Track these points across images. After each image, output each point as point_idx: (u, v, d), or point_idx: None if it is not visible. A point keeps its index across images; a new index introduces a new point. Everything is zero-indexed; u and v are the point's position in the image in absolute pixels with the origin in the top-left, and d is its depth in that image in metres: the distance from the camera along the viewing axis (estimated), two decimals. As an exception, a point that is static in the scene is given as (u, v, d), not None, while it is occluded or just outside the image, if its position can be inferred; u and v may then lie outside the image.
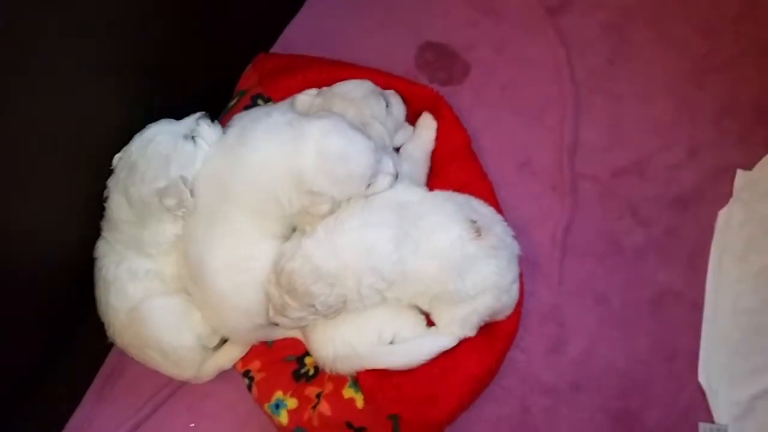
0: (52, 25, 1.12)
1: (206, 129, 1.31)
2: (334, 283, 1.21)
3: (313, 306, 1.22)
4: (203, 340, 1.37)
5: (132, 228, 1.31)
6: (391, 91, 1.42)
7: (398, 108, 1.40)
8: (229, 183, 1.26)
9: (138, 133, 1.32)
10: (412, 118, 1.49)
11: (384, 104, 1.36)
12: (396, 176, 1.28)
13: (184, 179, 1.27)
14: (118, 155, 1.32)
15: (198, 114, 1.33)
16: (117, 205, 1.31)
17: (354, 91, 1.34)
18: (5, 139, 1.13)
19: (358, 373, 1.30)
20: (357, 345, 1.29)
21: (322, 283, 1.21)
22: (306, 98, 1.39)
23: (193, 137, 1.30)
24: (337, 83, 1.37)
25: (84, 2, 1.16)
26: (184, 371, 1.38)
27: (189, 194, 1.27)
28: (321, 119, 1.24)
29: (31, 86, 1.13)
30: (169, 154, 1.27)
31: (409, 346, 1.30)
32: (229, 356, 1.40)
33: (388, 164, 1.26)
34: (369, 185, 1.25)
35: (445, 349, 1.31)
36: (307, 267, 1.21)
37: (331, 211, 1.24)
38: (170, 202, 1.26)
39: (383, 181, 1.26)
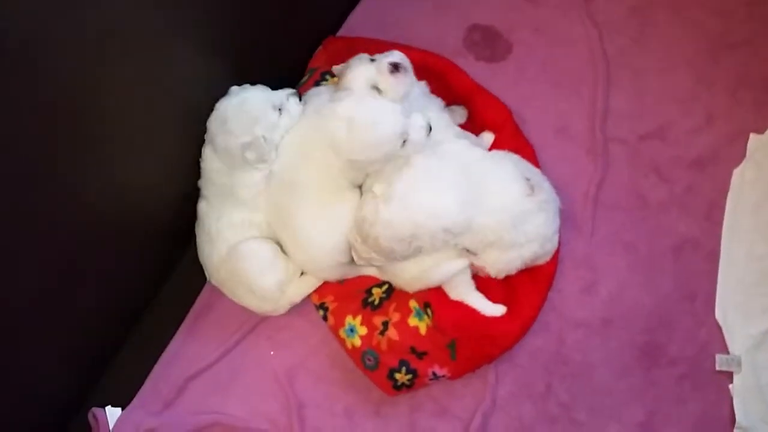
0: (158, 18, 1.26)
1: (293, 104, 1.47)
2: (412, 241, 1.37)
3: (395, 257, 1.40)
4: (283, 284, 1.51)
5: (223, 177, 1.47)
6: (382, 70, 1.43)
7: (392, 88, 1.42)
8: (309, 144, 1.43)
9: (235, 92, 1.46)
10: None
11: (375, 93, 1.42)
12: (429, 128, 1.40)
13: (265, 139, 1.43)
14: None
15: (290, 90, 1.49)
16: (208, 156, 1.47)
17: (351, 82, 1.44)
18: (122, 107, 1.27)
19: (433, 304, 1.46)
20: (419, 272, 1.45)
21: (403, 242, 1.36)
22: (340, 67, 1.52)
23: (279, 109, 1.46)
24: (348, 65, 1.48)
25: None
26: (265, 305, 1.54)
27: (268, 151, 1.43)
28: (345, 99, 1.40)
29: (144, 61, 1.27)
30: (257, 115, 1.43)
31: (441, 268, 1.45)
32: (299, 291, 1.55)
33: (418, 118, 1.39)
34: (404, 141, 1.37)
35: (460, 268, 1.45)
36: (388, 232, 1.36)
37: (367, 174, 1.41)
38: (251, 156, 1.43)
39: (417, 134, 1.38)
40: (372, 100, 1.40)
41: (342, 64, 1.54)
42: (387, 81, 1.42)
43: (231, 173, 1.47)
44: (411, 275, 1.45)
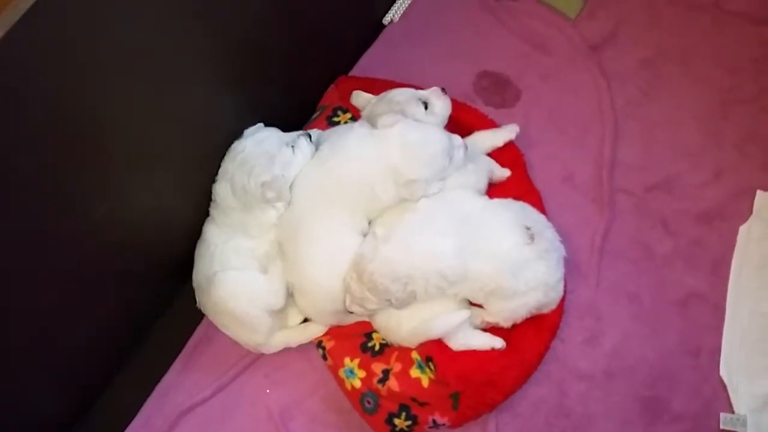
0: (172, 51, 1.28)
1: (305, 143, 1.49)
2: (407, 282, 1.38)
3: (389, 300, 1.39)
4: (272, 311, 1.49)
5: (238, 214, 1.48)
6: (434, 90, 1.52)
7: (440, 106, 1.52)
8: (326, 187, 1.45)
9: (250, 133, 1.50)
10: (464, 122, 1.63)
11: (422, 107, 1.50)
12: (466, 148, 1.47)
13: (283, 177, 1.45)
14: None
15: (301, 131, 1.53)
16: (224, 192, 1.48)
17: (397, 96, 1.53)
18: (134, 137, 1.29)
19: (435, 358, 1.43)
20: (417, 325, 1.44)
21: (398, 282, 1.38)
22: (362, 97, 1.61)
23: (292, 146, 1.48)
24: (387, 90, 1.56)
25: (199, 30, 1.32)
26: (254, 336, 1.51)
27: (287, 189, 1.46)
28: (394, 124, 1.44)
29: (156, 94, 1.28)
30: (275, 154, 1.46)
31: (442, 320, 1.44)
32: (297, 338, 1.54)
33: (458, 140, 1.47)
34: (450, 159, 1.44)
35: (463, 319, 1.43)
36: (385, 269, 1.37)
37: (424, 194, 1.42)
38: (271, 194, 1.44)
39: (459, 153, 1.45)
40: (415, 123, 1.45)
41: (361, 96, 1.60)
42: (439, 99, 1.52)
43: (247, 211, 1.48)
44: (408, 330, 1.44)
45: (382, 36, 1.84)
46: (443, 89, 1.54)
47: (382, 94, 1.56)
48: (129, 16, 1.13)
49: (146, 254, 1.49)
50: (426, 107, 1.52)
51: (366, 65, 1.80)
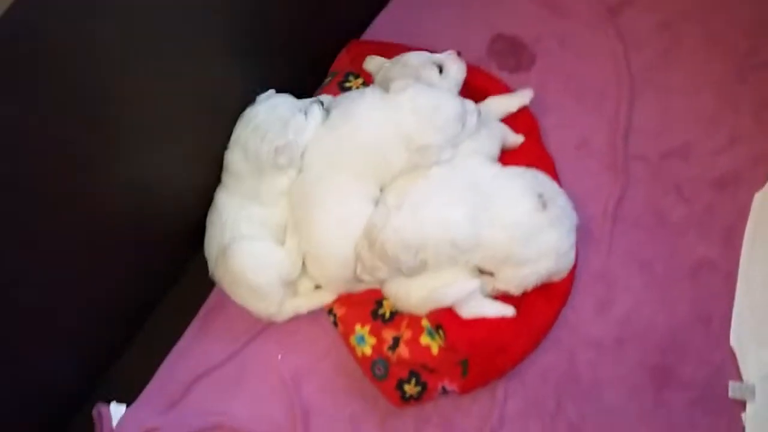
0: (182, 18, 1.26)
1: (317, 110, 1.48)
2: (418, 251, 1.38)
3: (400, 268, 1.40)
4: (283, 280, 1.50)
5: (251, 181, 1.48)
6: (449, 54, 1.52)
7: (455, 70, 1.51)
8: (338, 153, 1.44)
9: (263, 99, 1.49)
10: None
11: (437, 70, 1.50)
12: (479, 113, 1.45)
13: (296, 142, 1.45)
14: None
15: (314, 98, 1.52)
16: (237, 159, 1.48)
17: (412, 59, 1.51)
18: (147, 107, 1.28)
19: (445, 325, 1.44)
20: (427, 293, 1.45)
21: (409, 251, 1.38)
22: (375, 62, 1.60)
23: (305, 113, 1.47)
24: (402, 54, 1.55)
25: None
26: (266, 305, 1.51)
27: (299, 155, 1.45)
28: (406, 89, 1.43)
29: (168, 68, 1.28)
30: (288, 119, 1.45)
31: (452, 288, 1.45)
32: (307, 304, 1.55)
33: (471, 105, 1.45)
34: (463, 125, 1.43)
35: (473, 288, 1.44)
36: (396, 238, 1.37)
37: (437, 161, 1.41)
38: (283, 160, 1.44)
39: (472, 118, 1.44)
40: (428, 88, 1.44)
41: (374, 60, 1.58)
42: (454, 63, 1.51)
43: (259, 177, 1.48)
44: (418, 298, 1.44)
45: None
46: (459, 53, 1.52)
47: (396, 58, 1.54)
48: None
49: (160, 221, 1.49)
50: (441, 71, 1.50)
51: (378, 29, 1.77)
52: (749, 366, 1.50)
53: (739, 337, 1.52)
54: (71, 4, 1.02)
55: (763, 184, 1.61)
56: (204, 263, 1.56)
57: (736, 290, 1.55)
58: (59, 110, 1.10)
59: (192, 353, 1.59)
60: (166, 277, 1.62)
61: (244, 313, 1.56)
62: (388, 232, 1.38)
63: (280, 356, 1.58)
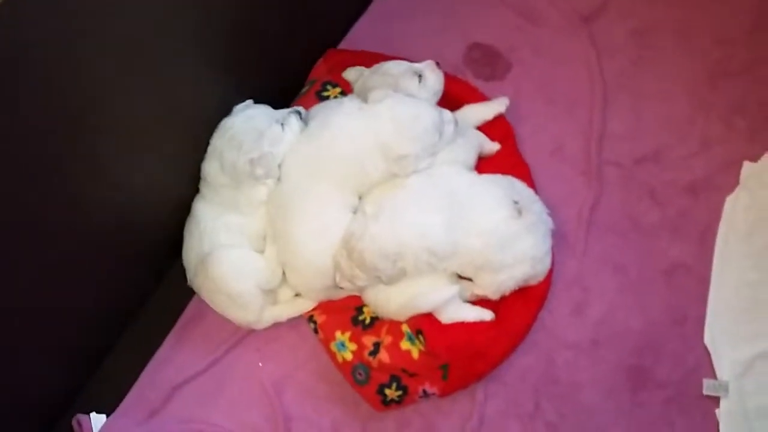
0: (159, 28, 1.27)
1: (294, 121, 1.49)
2: (396, 259, 1.39)
3: (379, 276, 1.41)
4: (262, 288, 1.50)
5: (229, 191, 1.48)
6: (428, 63, 1.53)
7: (433, 79, 1.53)
8: (316, 163, 1.45)
9: (239, 110, 1.49)
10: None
11: (416, 80, 1.51)
12: (456, 123, 1.47)
13: (272, 154, 1.45)
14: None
15: (292, 108, 1.52)
16: (214, 169, 1.48)
17: (392, 68, 1.53)
18: (123, 117, 1.29)
19: (425, 330, 1.45)
20: (406, 300, 1.46)
21: (387, 260, 1.39)
22: (355, 71, 1.61)
23: (282, 124, 1.48)
24: (382, 62, 1.56)
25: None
26: (245, 313, 1.52)
27: (276, 166, 1.46)
28: (384, 99, 1.44)
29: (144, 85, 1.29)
30: (264, 131, 1.45)
31: (431, 295, 1.46)
32: (286, 312, 1.55)
33: (448, 115, 1.46)
34: (440, 134, 1.43)
35: (452, 295, 1.45)
36: (374, 246, 1.38)
37: (415, 170, 1.43)
38: (260, 171, 1.45)
39: (449, 128, 1.45)
40: (406, 97, 1.45)
41: (354, 70, 1.59)
42: (432, 72, 1.52)
43: (237, 187, 1.48)
44: (398, 304, 1.46)
45: (372, 8, 1.82)
46: (437, 63, 1.54)
47: (376, 66, 1.56)
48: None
49: (138, 232, 1.49)
50: (420, 80, 1.51)
51: (355, 38, 1.79)
52: (723, 364, 1.53)
53: (713, 336, 1.55)
54: (50, 16, 1.03)
55: (734, 188, 1.64)
56: (182, 272, 1.56)
57: (709, 291, 1.58)
58: (38, 121, 1.11)
59: (172, 362, 1.59)
60: (144, 286, 1.62)
61: (223, 321, 1.56)
62: (367, 241, 1.39)
63: (260, 364, 1.58)
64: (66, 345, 1.48)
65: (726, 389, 1.50)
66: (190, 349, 1.60)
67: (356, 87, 1.58)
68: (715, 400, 1.51)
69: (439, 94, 1.55)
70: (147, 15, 1.20)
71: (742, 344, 1.54)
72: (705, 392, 1.51)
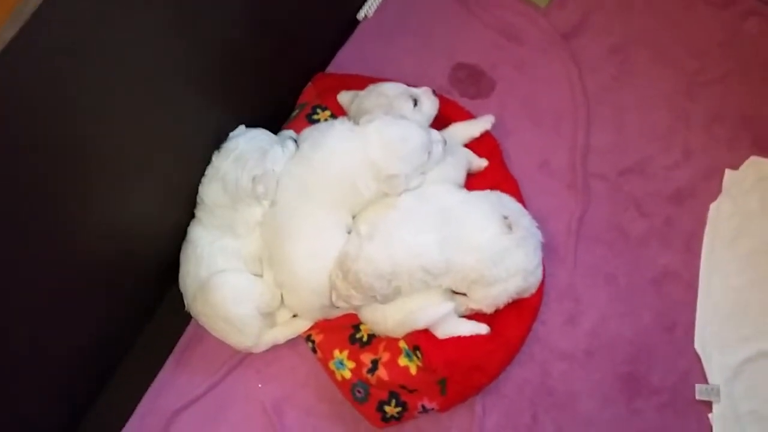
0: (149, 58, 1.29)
1: (291, 145, 1.53)
2: (392, 279, 1.41)
3: (374, 296, 1.43)
4: (262, 312, 1.52)
5: (226, 212, 1.50)
6: (424, 90, 1.56)
7: (428, 105, 1.56)
8: (309, 184, 1.47)
9: (236, 135, 1.53)
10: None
11: (411, 103, 1.54)
12: (445, 142, 1.49)
13: (274, 172, 1.48)
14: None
15: (289, 134, 1.57)
16: (214, 191, 1.50)
17: (389, 90, 1.55)
18: (116, 142, 1.29)
19: (422, 346, 1.47)
20: (402, 317, 1.48)
21: (382, 279, 1.41)
22: (349, 94, 1.63)
23: (281, 145, 1.51)
24: (378, 83, 1.58)
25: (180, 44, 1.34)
26: (244, 338, 1.53)
27: (275, 185, 1.48)
28: (373, 120, 1.47)
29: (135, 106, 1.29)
30: (267, 150, 1.49)
31: (427, 311, 1.48)
32: (284, 333, 1.57)
33: (436, 135, 1.50)
34: (429, 154, 1.46)
35: (447, 311, 1.48)
36: (369, 268, 1.40)
37: (405, 189, 1.46)
38: (260, 188, 1.47)
39: (437, 147, 1.48)
40: (395, 119, 1.48)
41: (348, 93, 1.62)
42: (428, 98, 1.55)
43: (235, 207, 1.50)
44: (394, 321, 1.48)
45: (357, 32, 1.85)
46: (434, 91, 1.57)
47: (371, 87, 1.58)
48: (108, 27, 1.14)
49: (134, 259, 1.50)
50: (415, 104, 1.54)
51: (342, 61, 1.81)
52: (714, 369, 1.56)
53: (703, 341, 1.58)
54: (46, 49, 1.04)
55: (717, 195, 1.67)
56: (178, 297, 1.57)
57: (697, 297, 1.61)
58: (32, 150, 1.11)
59: (171, 387, 1.60)
60: (141, 313, 1.63)
61: (222, 344, 1.57)
62: (361, 263, 1.41)
63: (260, 385, 1.60)
64: (65, 376, 1.48)
65: (718, 393, 1.53)
66: (189, 374, 1.61)
67: (351, 108, 1.60)
68: (709, 405, 1.53)
69: (432, 119, 1.58)
70: (137, 45, 1.22)
71: (731, 348, 1.56)
72: (698, 397, 1.53)
